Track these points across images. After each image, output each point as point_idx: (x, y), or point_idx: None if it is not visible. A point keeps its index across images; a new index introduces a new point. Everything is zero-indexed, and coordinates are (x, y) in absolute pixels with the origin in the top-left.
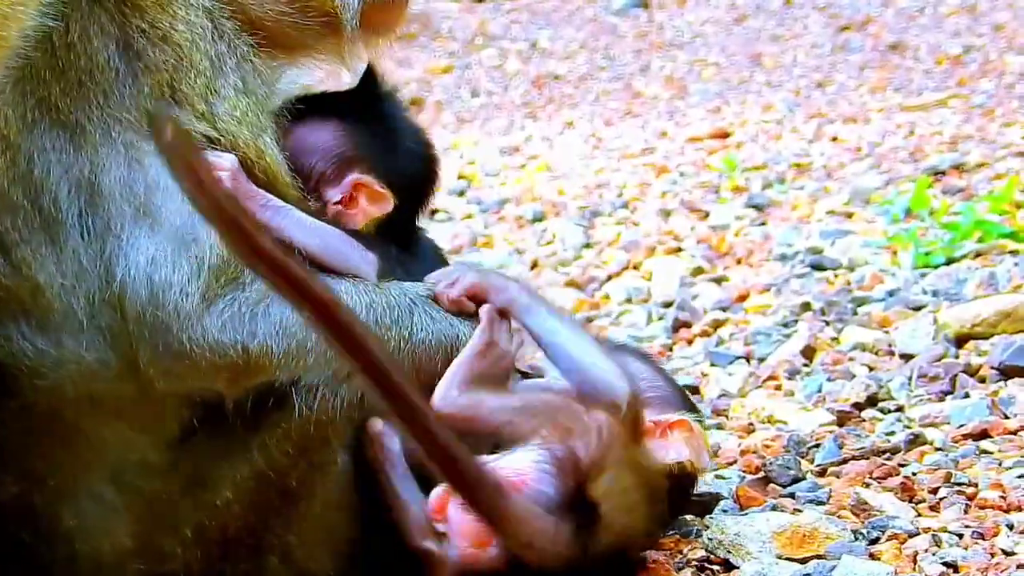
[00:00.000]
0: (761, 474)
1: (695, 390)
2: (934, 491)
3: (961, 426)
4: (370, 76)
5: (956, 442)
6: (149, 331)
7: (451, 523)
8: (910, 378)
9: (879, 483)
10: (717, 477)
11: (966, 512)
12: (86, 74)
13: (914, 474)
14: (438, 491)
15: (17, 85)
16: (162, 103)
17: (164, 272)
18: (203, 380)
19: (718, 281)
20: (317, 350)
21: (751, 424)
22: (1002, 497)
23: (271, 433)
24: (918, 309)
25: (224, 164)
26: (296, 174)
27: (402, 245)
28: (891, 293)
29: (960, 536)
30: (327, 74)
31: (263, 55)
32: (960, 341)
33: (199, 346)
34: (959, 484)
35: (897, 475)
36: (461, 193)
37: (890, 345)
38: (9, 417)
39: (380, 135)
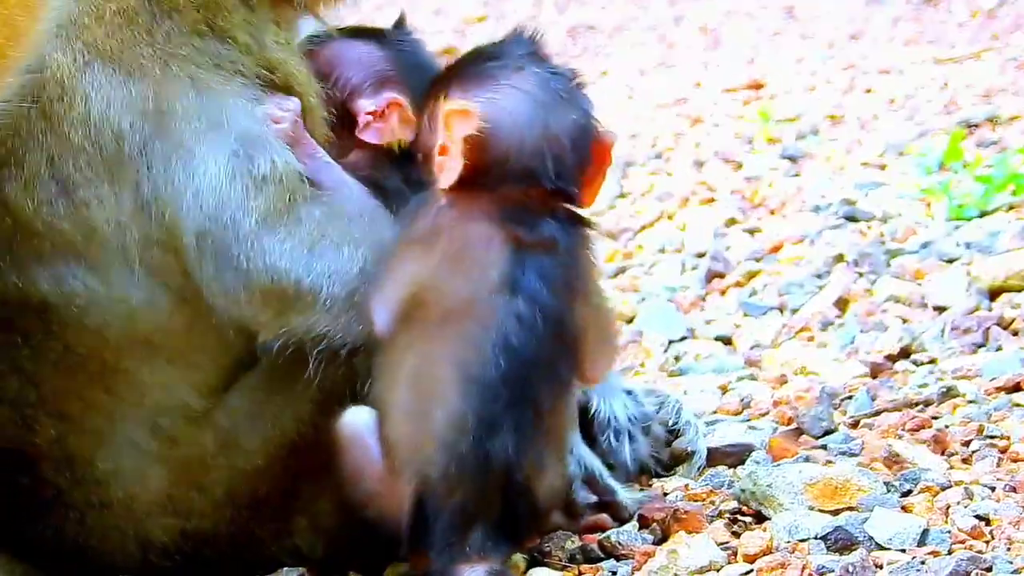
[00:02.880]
0: (794, 425)
1: (728, 340)
2: (966, 444)
3: (993, 379)
4: (401, 23)
5: (989, 395)
6: (210, 248)
7: None
8: (943, 330)
9: (912, 435)
10: (750, 428)
11: (998, 465)
12: (122, 16)
13: (946, 427)
14: None
15: (60, 32)
16: None
17: (226, 190)
18: (254, 305)
19: (751, 232)
20: (361, 305)
21: (784, 375)
22: None
23: (303, 394)
24: (951, 261)
25: (289, 107)
26: (328, 83)
27: None
28: (924, 245)
29: (992, 489)
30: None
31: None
32: (993, 294)
33: (256, 267)
34: (991, 437)
35: (930, 428)
36: None
37: (923, 297)
38: (51, 360)
39: (416, 72)
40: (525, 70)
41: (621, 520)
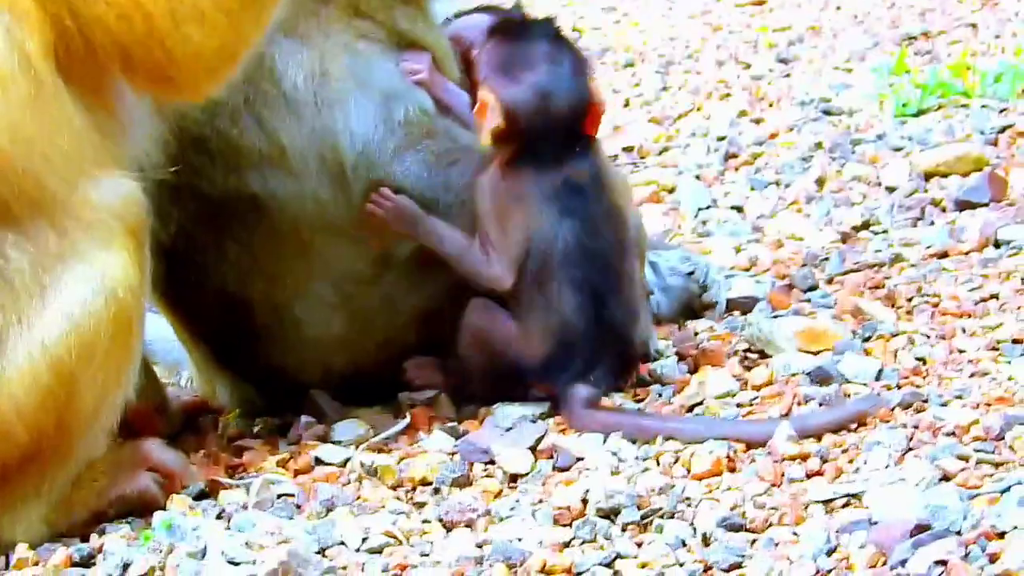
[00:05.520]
0: (787, 281)
1: (740, 209)
2: (909, 300)
3: (929, 247)
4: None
5: (925, 260)
6: (359, 173)
7: None
8: (892, 207)
9: (871, 293)
10: (756, 282)
11: (932, 318)
12: (293, 2)
13: (896, 286)
14: None
15: None
16: None
17: (371, 132)
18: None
19: (757, 121)
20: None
21: (780, 240)
22: (958, 307)
23: (437, 271)
24: (898, 150)
25: (422, 60)
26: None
27: None
28: (879, 137)
29: (928, 337)
30: None
31: None
32: (927, 178)
33: (391, 183)
34: (927, 295)
35: (883, 287)
36: None
37: (878, 178)
38: (262, 234)
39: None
40: (543, 50)
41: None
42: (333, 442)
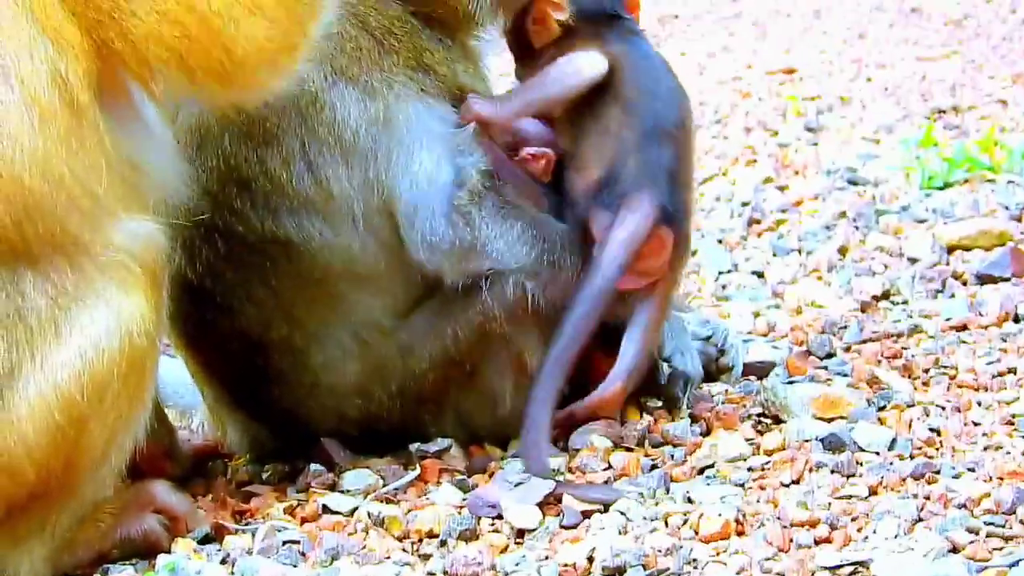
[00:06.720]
0: (804, 347)
1: (761, 275)
2: (926, 371)
3: (948, 319)
4: None
5: (943, 332)
6: (418, 221)
7: None
8: (913, 278)
9: (888, 362)
10: (773, 348)
11: (948, 389)
12: (357, 51)
13: (913, 356)
14: None
15: (311, 58)
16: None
17: (431, 182)
18: (444, 260)
19: (781, 189)
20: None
21: (800, 306)
22: (975, 379)
23: (462, 319)
24: (922, 222)
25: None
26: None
27: None
28: (903, 208)
29: (943, 408)
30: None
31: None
32: (950, 250)
33: (448, 236)
34: (944, 367)
35: (900, 357)
36: None
37: (900, 249)
38: (289, 279)
39: None
40: None
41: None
42: (342, 491)
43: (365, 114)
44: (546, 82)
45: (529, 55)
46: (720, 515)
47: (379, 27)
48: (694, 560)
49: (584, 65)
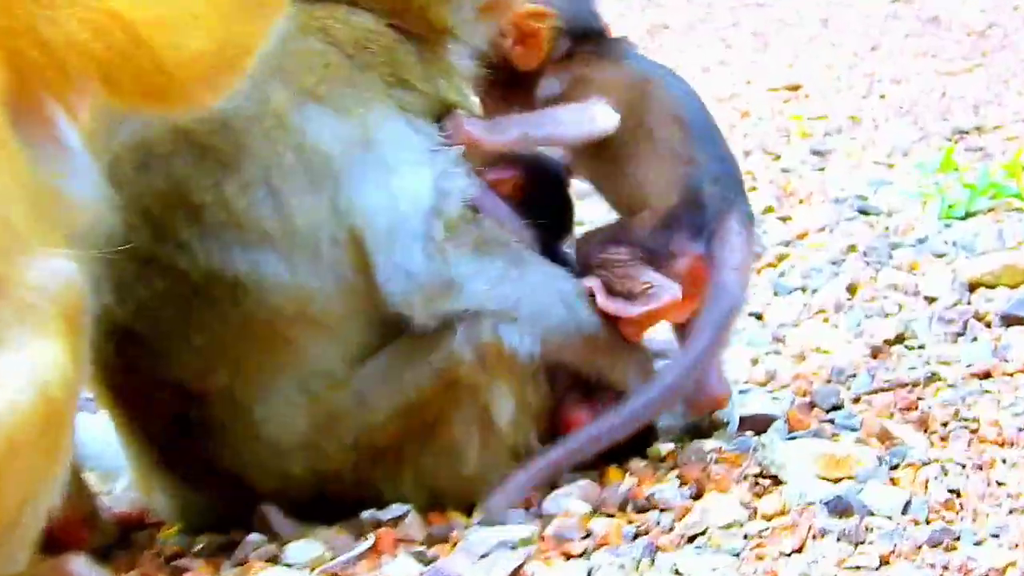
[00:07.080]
0: (808, 399)
1: (759, 316)
2: (944, 425)
3: (969, 366)
4: None
5: (965, 380)
6: (388, 255)
7: None
8: (931, 319)
9: (901, 415)
10: (773, 399)
11: (969, 446)
12: (329, 69)
13: (929, 408)
14: None
15: (274, 76)
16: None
17: (404, 212)
18: (416, 298)
19: (783, 219)
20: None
21: (803, 352)
22: (999, 434)
23: (425, 365)
24: (940, 256)
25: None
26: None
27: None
28: (920, 241)
29: (963, 467)
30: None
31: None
32: (972, 288)
33: (422, 271)
34: (965, 419)
35: (916, 409)
36: None
37: (917, 287)
38: (233, 323)
39: None
40: None
41: None
42: (284, 564)
43: (339, 135)
44: (556, 122)
45: (517, 80)
46: None
47: (349, 41)
48: None
49: (600, 116)
